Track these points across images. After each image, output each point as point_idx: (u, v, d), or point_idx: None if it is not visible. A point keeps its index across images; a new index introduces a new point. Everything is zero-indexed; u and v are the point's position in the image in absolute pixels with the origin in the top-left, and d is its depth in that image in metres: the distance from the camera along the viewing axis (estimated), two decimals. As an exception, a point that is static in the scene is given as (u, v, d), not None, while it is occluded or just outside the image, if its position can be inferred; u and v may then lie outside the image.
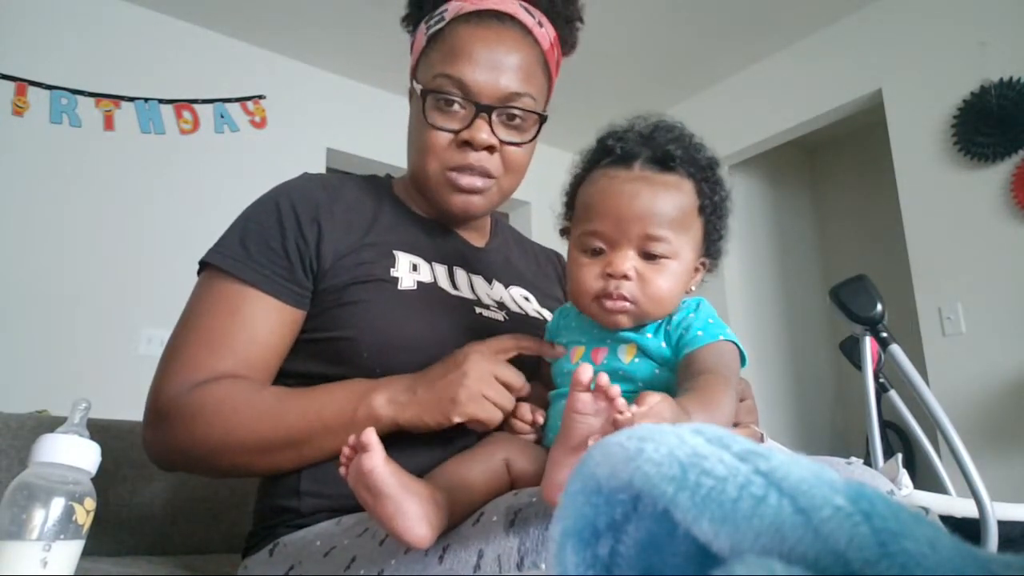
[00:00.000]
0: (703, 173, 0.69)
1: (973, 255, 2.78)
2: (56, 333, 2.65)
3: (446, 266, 0.87)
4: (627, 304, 0.65)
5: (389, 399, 0.70)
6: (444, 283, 0.84)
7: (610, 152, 0.69)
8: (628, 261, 0.65)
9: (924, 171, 2.96)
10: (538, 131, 0.87)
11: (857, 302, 1.25)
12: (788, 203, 4.32)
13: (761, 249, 4.05)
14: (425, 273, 0.83)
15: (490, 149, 0.83)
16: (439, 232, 0.91)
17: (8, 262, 2.65)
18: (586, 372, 0.49)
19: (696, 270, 0.71)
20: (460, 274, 0.88)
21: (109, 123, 2.94)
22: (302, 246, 0.80)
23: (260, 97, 3.31)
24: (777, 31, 3.39)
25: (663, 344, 0.67)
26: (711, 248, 0.71)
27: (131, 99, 3.00)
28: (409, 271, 0.82)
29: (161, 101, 3.06)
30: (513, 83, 0.83)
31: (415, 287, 0.80)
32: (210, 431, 0.71)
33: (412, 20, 0.92)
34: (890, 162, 3.10)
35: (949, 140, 2.87)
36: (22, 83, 2.78)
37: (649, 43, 3.43)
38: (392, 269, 0.81)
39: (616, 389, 0.49)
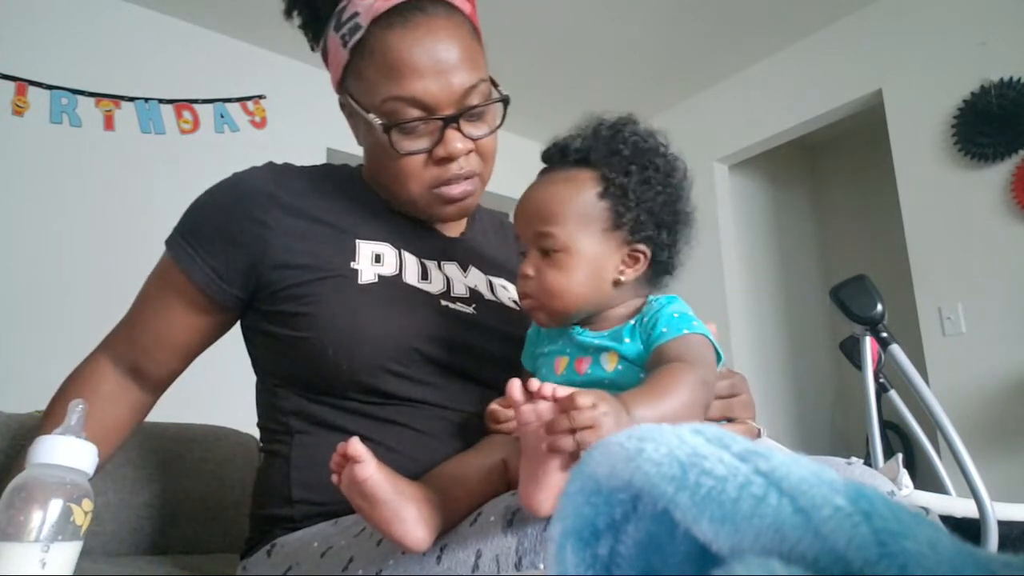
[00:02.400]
0: (610, 158, 0.68)
1: (973, 255, 2.78)
2: (56, 333, 2.65)
3: (415, 255, 0.84)
4: (531, 300, 0.68)
5: None
6: (411, 273, 0.81)
7: (544, 161, 0.73)
8: (530, 262, 0.68)
9: (924, 171, 2.96)
10: (504, 112, 0.83)
11: (857, 302, 1.25)
12: (788, 203, 4.32)
13: (761, 249, 4.05)
14: (390, 263, 0.80)
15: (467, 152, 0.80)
16: (410, 222, 0.87)
17: (7, 262, 2.65)
18: (516, 388, 0.51)
19: (632, 258, 0.69)
20: (431, 263, 0.84)
21: (109, 123, 2.94)
22: (246, 241, 0.79)
23: (260, 97, 3.32)
24: (777, 31, 3.39)
25: (640, 345, 0.66)
26: (637, 234, 0.68)
27: (131, 99, 3.00)
28: (371, 263, 0.79)
29: (161, 101, 3.06)
30: (465, 78, 0.76)
31: (376, 280, 0.78)
32: (51, 403, 0.85)
33: (307, 25, 0.86)
34: (890, 162, 3.10)
35: (949, 140, 2.87)
36: (22, 83, 2.78)
37: (649, 43, 3.43)
38: (352, 262, 0.78)
39: (535, 384, 0.50)
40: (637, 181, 0.67)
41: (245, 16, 3.16)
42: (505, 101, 0.82)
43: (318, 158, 3.44)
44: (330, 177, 0.89)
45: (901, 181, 3.04)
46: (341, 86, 0.83)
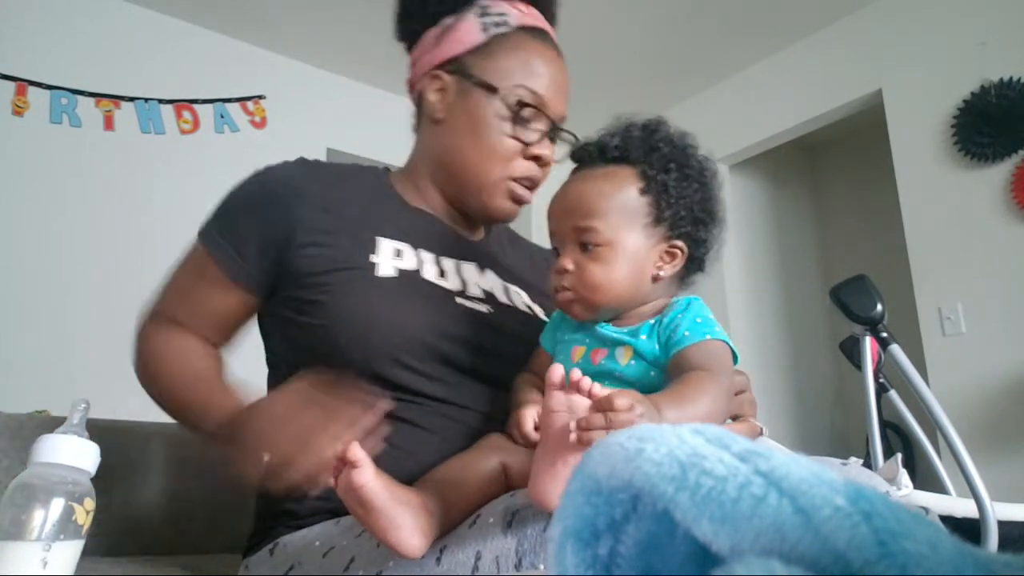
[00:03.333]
0: (649, 156, 0.69)
1: (973, 255, 2.78)
2: (56, 333, 2.65)
3: (434, 254, 0.86)
4: (569, 294, 0.68)
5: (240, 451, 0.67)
6: (429, 270, 0.83)
7: (574, 161, 0.74)
8: (569, 256, 0.68)
9: (924, 171, 2.96)
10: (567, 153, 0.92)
11: (857, 302, 1.25)
12: (788, 203, 4.32)
13: (761, 249, 4.05)
14: (409, 259, 0.82)
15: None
16: (432, 223, 0.91)
17: (8, 262, 2.65)
18: (557, 372, 0.51)
19: (670, 254, 0.70)
20: (448, 262, 0.87)
21: (109, 123, 2.94)
22: (273, 229, 0.81)
23: (260, 97, 3.32)
24: (777, 31, 3.39)
25: (656, 346, 0.67)
26: (676, 230, 0.69)
27: (131, 99, 3.00)
28: (391, 257, 0.81)
29: (161, 101, 3.06)
30: (565, 107, 0.89)
31: (394, 274, 0.80)
32: (149, 378, 0.84)
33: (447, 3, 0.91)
34: (890, 162, 3.10)
35: (949, 140, 2.87)
36: (22, 83, 2.78)
37: (650, 43, 3.43)
38: (371, 255, 0.80)
39: (578, 374, 0.51)
40: (676, 178, 0.69)
41: (245, 16, 3.16)
42: (576, 139, 0.90)
43: (318, 158, 3.43)
44: (357, 175, 0.92)
45: (901, 181, 3.04)
46: (451, 61, 0.88)
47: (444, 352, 0.76)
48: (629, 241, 0.67)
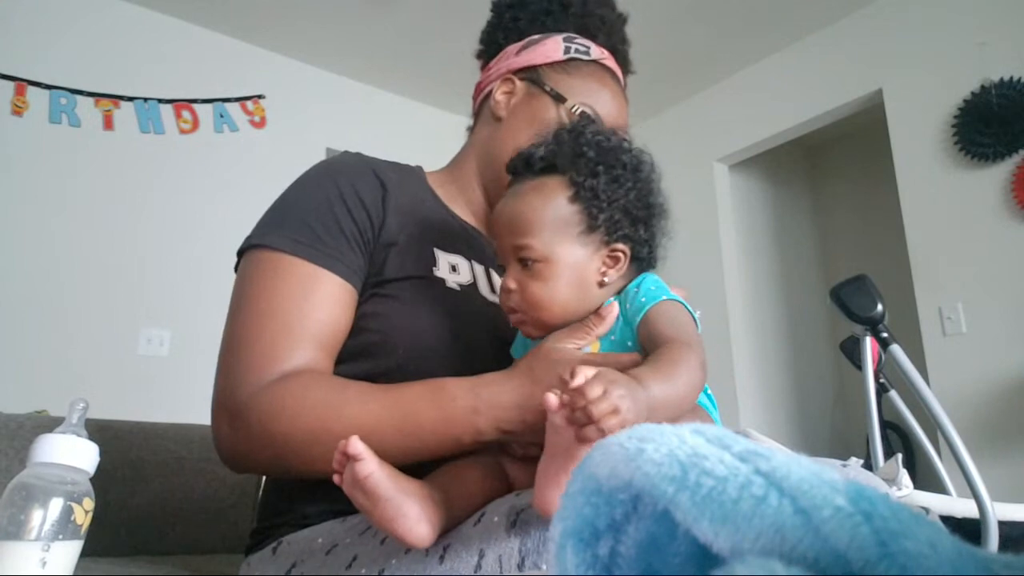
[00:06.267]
0: (576, 162, 0.68)
1: (973, 255, 2.78)
2: (56, 333, 2.65)
3: (484, 267, 0.86)
4: (519, 315, 0.68)
5: (495, 425, 0.65)
6: (483, 285, 0.83)
7: (508, 173, 0.73)
8: (511, 275, 0.68)
9: (924, 171, 2.96)
10: None
11: (857, 302, 1.25)
12: (788, 203, 4.32)
13: (761, 249, 4.05)
14: (465, 273, 0.83)
15: None
16: (473, 233, 0.91)
17: (7, 262, 2.65)
18: (552, 400, 0.49)
19: (612, 258, 0.68)
20: (494, 276, 0.87)
21: (108, 123, 2.94)
22: (365, 227, 0.79)
23: (260, 97, 3.32)
24: (777, 31, 3.39)
25: (621, 321, 0.66)
26: (614, 234, 0.68)
27: (130, 99, 3.00)
28: (449, 271, 0.81)
29: (160, 101, 3.06)
30: None
31: (458, 289, 0.80)
32: (294, 428, 0.66)
33: (551, 17, 0.96)
34: (890, 162, 3.10)
35: (949, 140, 2.87)
36: (21, 83, 2.78)
37: (649, 43, 3.43)
38: (434, 268, 0.80)
39: (553, 402, 0.49)
40: (606, 181, 0.67)
41: (245, 16, 3.16)
42: None
43: (318, 158, 3.42)
44: (407, 178, 0.90)
45: (901, 181, 3.04)
46: (527, 69, 0.92)
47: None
48: (565, 253, 0.66)
